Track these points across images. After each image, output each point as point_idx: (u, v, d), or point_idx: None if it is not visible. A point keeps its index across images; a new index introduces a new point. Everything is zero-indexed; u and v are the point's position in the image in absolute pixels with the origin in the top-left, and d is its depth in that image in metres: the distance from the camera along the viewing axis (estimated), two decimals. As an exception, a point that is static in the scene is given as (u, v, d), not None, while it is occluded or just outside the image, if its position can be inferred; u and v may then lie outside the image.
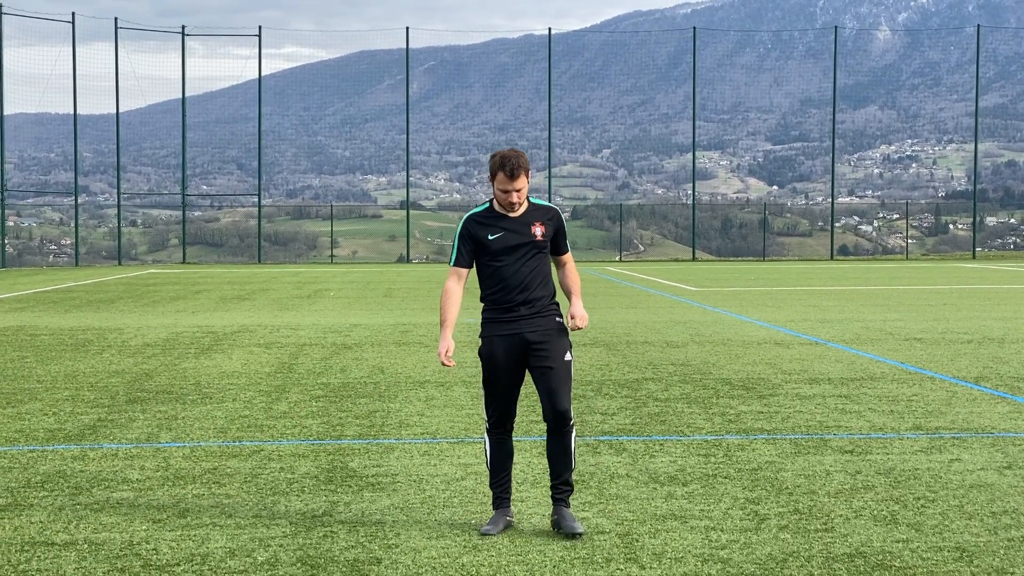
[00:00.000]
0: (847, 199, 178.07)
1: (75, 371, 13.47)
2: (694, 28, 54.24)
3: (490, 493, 6.80)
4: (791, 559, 6.02)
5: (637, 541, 6.38)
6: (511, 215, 6.64)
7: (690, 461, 8.38)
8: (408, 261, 51.74)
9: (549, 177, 58.33)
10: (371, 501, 7.32)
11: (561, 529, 6.49)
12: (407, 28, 49.40)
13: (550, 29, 51.77)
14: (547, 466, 6.77)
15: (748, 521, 6.75)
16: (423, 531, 6.64)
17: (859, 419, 10.02)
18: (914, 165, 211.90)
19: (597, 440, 9.17)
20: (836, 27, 59.51)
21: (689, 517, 6.85)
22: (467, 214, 6.71)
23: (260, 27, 49.91)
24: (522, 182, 6.54)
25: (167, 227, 71.99)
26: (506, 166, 6.51)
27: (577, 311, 6.68)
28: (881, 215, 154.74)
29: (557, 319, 6.69)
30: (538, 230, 6.65)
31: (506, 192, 6.56)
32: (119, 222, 50.99)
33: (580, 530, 6.42)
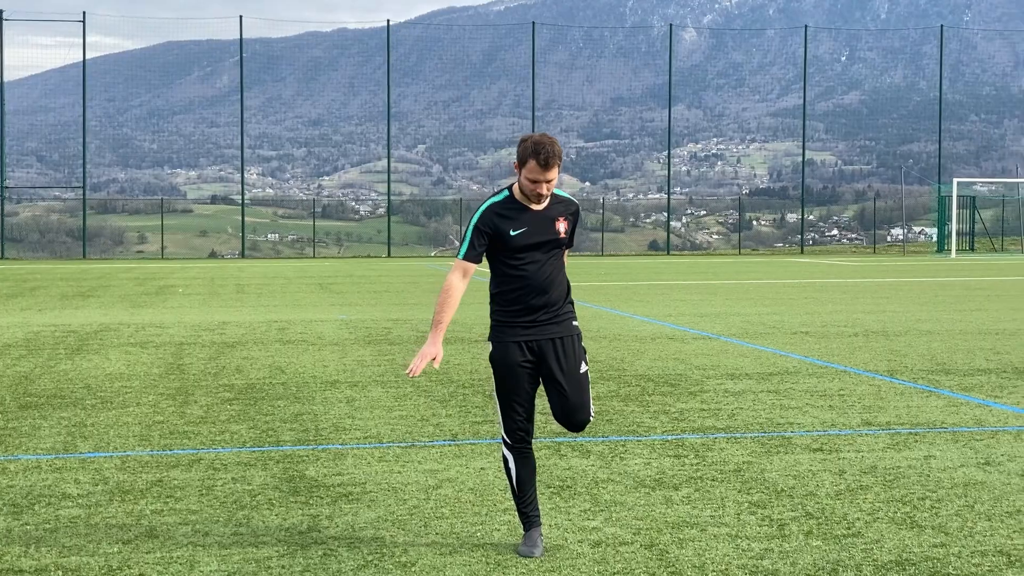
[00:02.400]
0: (657, 195, 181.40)
1: (-55, 374, 12.43)
2: (532, 23, 54.08)
3: (500, 508, 6.31)
4: (841, 569, 5.69)
5: (668, 552, 5.98)
6: (534, 207, 5.98)
7: (664, 463, 8.03)
8: (243, 256, 50.34)
9: (389, 172, 57.56)
10: (353, 514, 6.76)
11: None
12: (240, 17, 48.01)
13: (388, 21, 50.97)
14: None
15: (767, 527, 6.42)
16: (432, 547, 6.11)
17: (804, 415, 9.83)
18: (719, 163, 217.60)
19: (555, 441, 8.75)
20: (671, 24, 60.16)
21: (704, 524, 6.48)
22: (485, 203, 6.02)
23: (84, 12, 47.89)
24: (555, 173, 5.87)
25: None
26: (540, 154, 5.80)
27: None
28: (689, 211, 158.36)
29: (574, 323, 6.14)
30: (562, 226, 6.01)
31: (536, 183, 5.86)
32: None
33: (536, 554, 5.95)
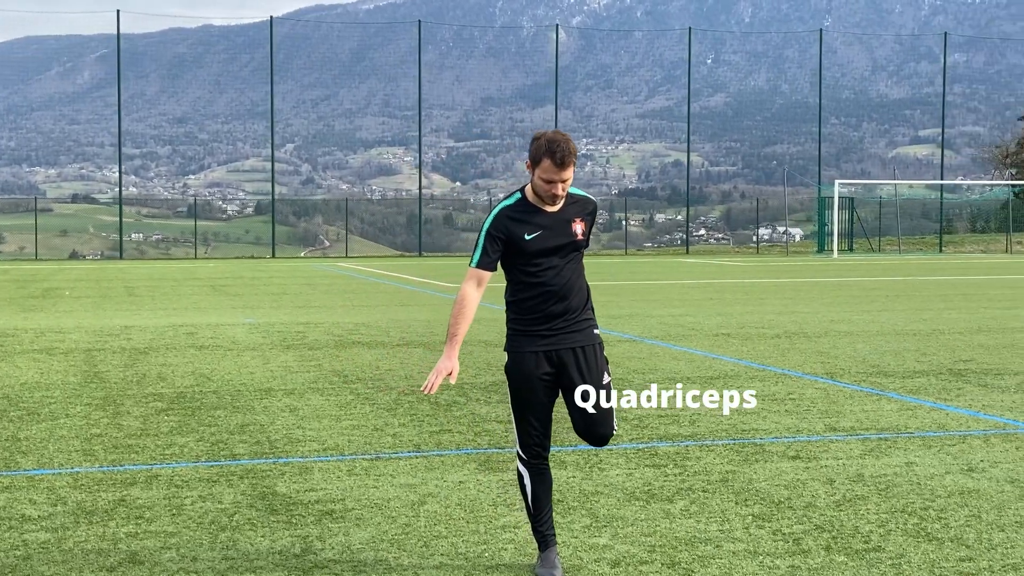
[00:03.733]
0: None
1: None
2: (419, 22, 53.58)
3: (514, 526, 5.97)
4: (879, 585, 5.50)
5: (693, 572, 5.72)
6: (549, 209, 5.61)
7: (647, 473, 7.78)
8: (121, 257, 49.03)
9: (273, 172, 56.53)
10: (344, 534, 6.38)
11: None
12: (117, 11, 46.64)
13: (272, 18, 50.02)
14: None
15: (783, 543, 6.20)
16: (442, 570, 5.77)
17: (765, 421, 9.67)
18: (589, 163, 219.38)
19: (560, 450, 8.41)
20: (557, 25, 60.14)
21: (717, 540, 6.24)
22: (497, 207, 5.64)
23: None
24: (570, 172, 5.51)
25: None
26: (556, 152, 5.43)
27: None
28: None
29: (596, 331, 5.78)
30: (579, 228, 5.64)
31: (550, 183, 5.49)
32: None
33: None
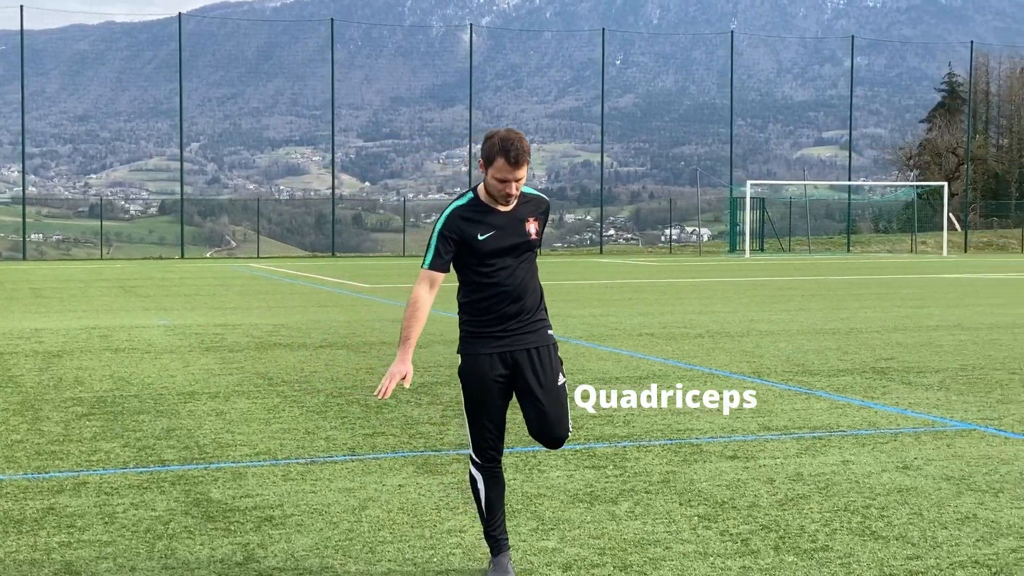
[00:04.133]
0: (437, 195, 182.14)
1: None
2: (331, 20, 53.13)
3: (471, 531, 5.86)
4: (832, 585, 5.48)
5: (647, 575, 5.66)
6: (502, 209, 5.51)
7: (587, 475, 7.72)
8: (24, 258, 48.04)
9: (182, 172, 55.73)
10: (286, 540, 6.23)
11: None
12: (21, 7, 45.67)
13: (180, 14, 49.30)
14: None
15: (732, 543, 6.16)
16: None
17: (699, 421, 9.66)
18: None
19: (456, 453, 8.34)
20: (470, 25, 59.88)
21: (666, 541, 6.19)
22: (449, 206, 5.53)
23: None
24: (524, 171, 5.42)
25: None
26: (510, 151, 5.33)
27: None
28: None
29: (549, 332, 5.70)
30: (532, 227, 5.55)
31: (504, 182, 5.39)
32: None
33: None
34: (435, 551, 6.06)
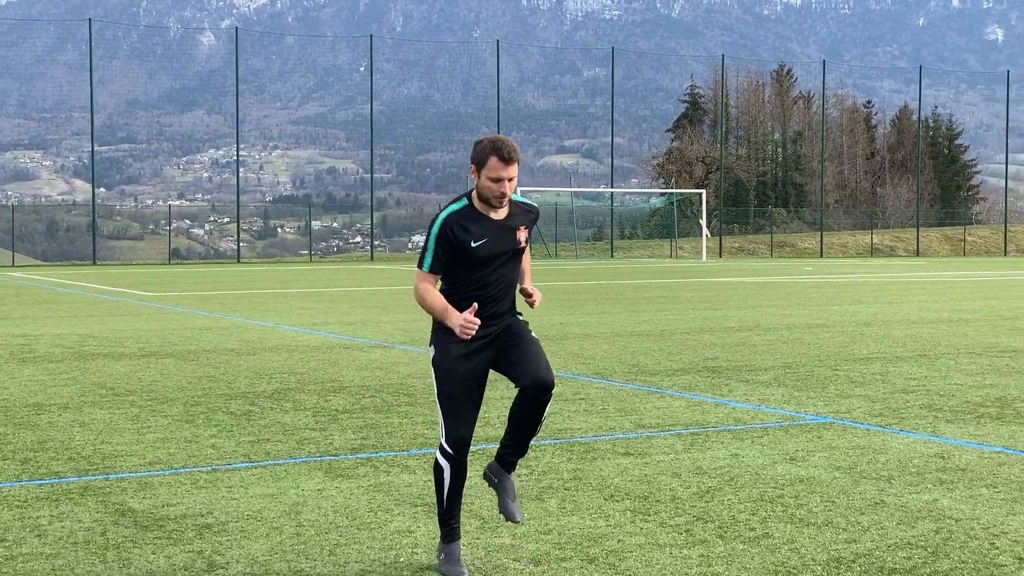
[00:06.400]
0: (177, 202, 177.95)
1: None
2: (89, 21, 51.35)
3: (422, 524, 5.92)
4: (802, 568, 5.77)
5: (618, 566, 5.83)
6: (494, 216, 5.66)
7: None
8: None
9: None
10: (241, 546, 6.13)
11: (505, 512, 5.82)
12: None
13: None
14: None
15: (679, 535, 6.37)
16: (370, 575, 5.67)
17: (570, 421, 9.90)
18: (242, 170, 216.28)
19: (357, 458, 8.34)
20: (237, 28, 58.80)
21: (616, 535, 6.36)
22: (444, 212, 5.62)
23: None
24: (515, 170, 5.58)
25: None
26: (502, 149, 5.49)
27: (533, 289, 5.95)
28: (212, 219, 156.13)
29: (518, 316, 5.88)
30: (523, 235, 5.75)
31: (498, 181, 5.53)
32: None
33: (519, 519, 5.82)
34: (395, 551, 6.09)
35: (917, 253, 73.28)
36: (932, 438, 9.12)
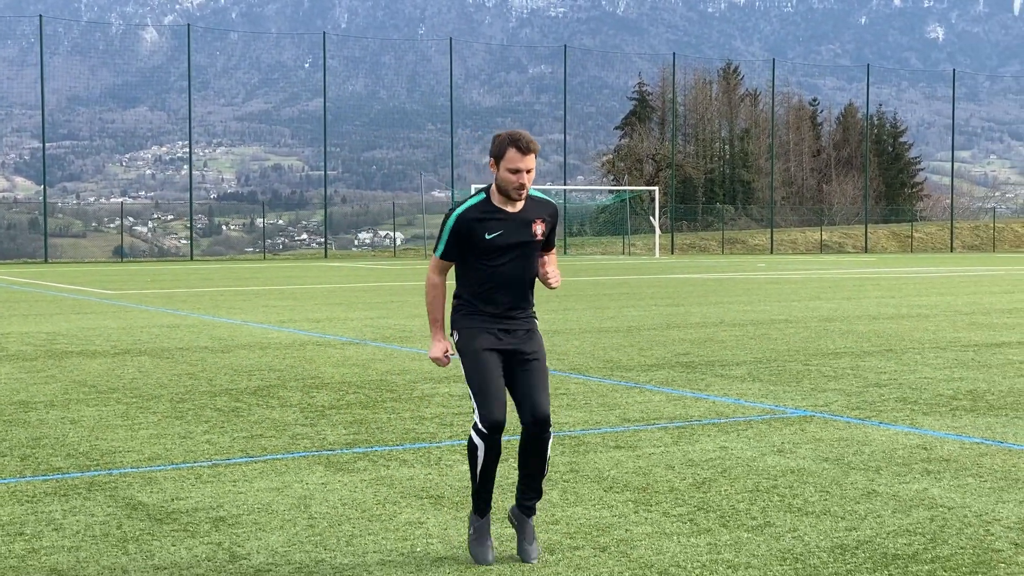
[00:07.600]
0: (120, 199, 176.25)
1: None
2: (40, 17, 50.85)
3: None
4: (807, 555, 5.97)
5: (630, 554, 6.01)
6: (511, 210, 5.86)
7: (502, 467, 8.00)
8: None
9: None
10: (259, 538, 6.25)
11: (521, 553, 5.97)
12: None
13: None
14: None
15: (683, 524, 6.56)
16: (393, 567, 5.80)
17: (556, 415, 10.04)
18: (186, 167, 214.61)
19: (354, 452, 8.47)
20: (188, 25, 58.44)
21: (622, 524, 6.53)
22: (459, 207, 5.83)
23: None
24: (533, 161, 5.79)
25: None
26: (519, 140, 5.73)
27: (551, 269, 6.10)
28: (156, 216, 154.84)
29: (536, 321, 6.09)
30: (539, 228, 5.93)
31: (516, 172, 5.74)
32: None
33: (533, 559, 5.92)
34: (410, 541, 6.23)
35: (866, 250, 74.19)
36: (912, 430, 9.37)
